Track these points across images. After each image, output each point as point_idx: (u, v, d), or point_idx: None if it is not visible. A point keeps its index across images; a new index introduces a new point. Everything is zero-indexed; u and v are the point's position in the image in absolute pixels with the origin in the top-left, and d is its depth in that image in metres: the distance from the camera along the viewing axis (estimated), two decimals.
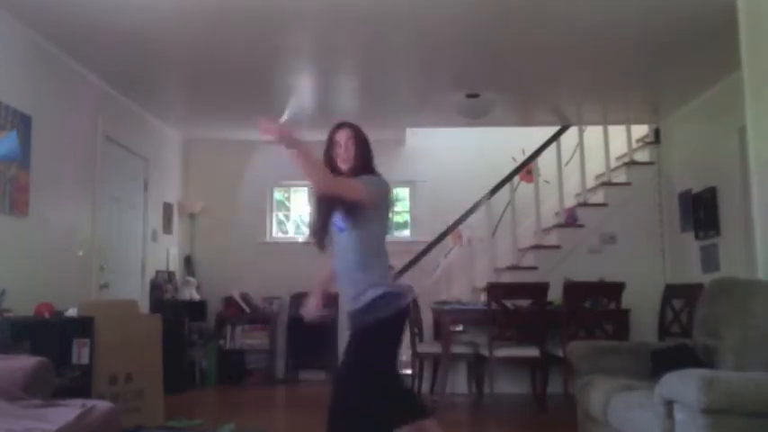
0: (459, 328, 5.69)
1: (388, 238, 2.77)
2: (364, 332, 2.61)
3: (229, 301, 6.96)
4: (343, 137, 2.72)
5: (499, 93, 5.53)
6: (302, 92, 5.56)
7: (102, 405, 2.75)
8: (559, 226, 6.46)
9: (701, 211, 5.52)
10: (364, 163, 2.71)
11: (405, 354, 5.37)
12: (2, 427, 2.28)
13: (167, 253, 6.69)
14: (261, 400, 5.96)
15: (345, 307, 2.72)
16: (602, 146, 6.57)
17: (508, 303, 5.17)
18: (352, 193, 2.56)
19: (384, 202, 2.72)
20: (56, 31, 4.28)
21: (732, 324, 3.22)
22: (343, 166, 2.69)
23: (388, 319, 2.58)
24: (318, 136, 2.92)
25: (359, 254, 2.62)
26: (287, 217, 7.70)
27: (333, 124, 2.79)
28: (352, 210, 2.58)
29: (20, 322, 3.61)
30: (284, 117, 2.70)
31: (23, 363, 2.92)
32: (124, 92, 5.55)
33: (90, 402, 2.74)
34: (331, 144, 2.74)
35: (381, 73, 5.22)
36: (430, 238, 6.45)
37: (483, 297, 5.45)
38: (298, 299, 7.09)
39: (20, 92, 4.14)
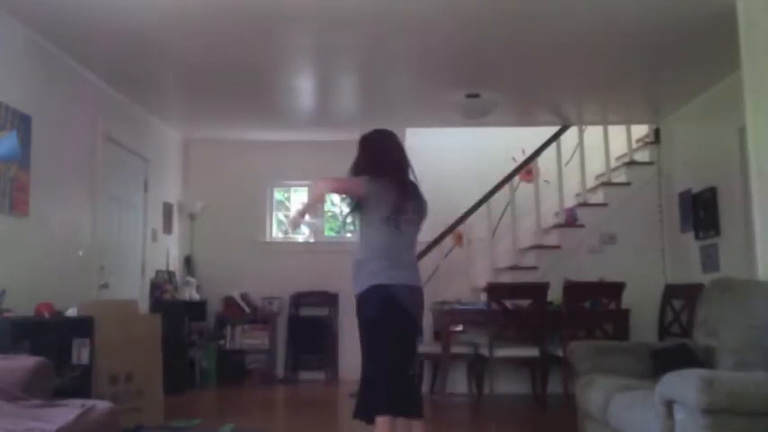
0: (459, 328, 5.69)
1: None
2: None
3: (229, 301, 6.96)
4: None
5: (499, 93, 5.52)
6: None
7: (102, 405, 2.76)
8: (559, 226, 6.46)
9: (701, 211, 5.52)
10: None
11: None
12: (2, 427, 2.28)
13: (167, 253, 6.68)
14: (261, 400, 5.96)
15: None
16: (602, 146, 6.56)
17: (508, 303, 5.17)
18: None
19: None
20: (56, 31, 4.27)
21: (732, 324, 3.23)
22: None
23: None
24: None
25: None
26: (287, 217, 7.69)
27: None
28: None
29: (20, 322, 3.61)
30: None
31: (23, 363, 2.93)
32: (124, 92, 5.54)
33: (90, 402, 2.75)
34: None
35: (381, 73, 5.21)
36: (430, 238, 6.44)
37: (483, 297, 5.45)
38: (298, 299, 7.11)
39: (20, 92, 4.14)
